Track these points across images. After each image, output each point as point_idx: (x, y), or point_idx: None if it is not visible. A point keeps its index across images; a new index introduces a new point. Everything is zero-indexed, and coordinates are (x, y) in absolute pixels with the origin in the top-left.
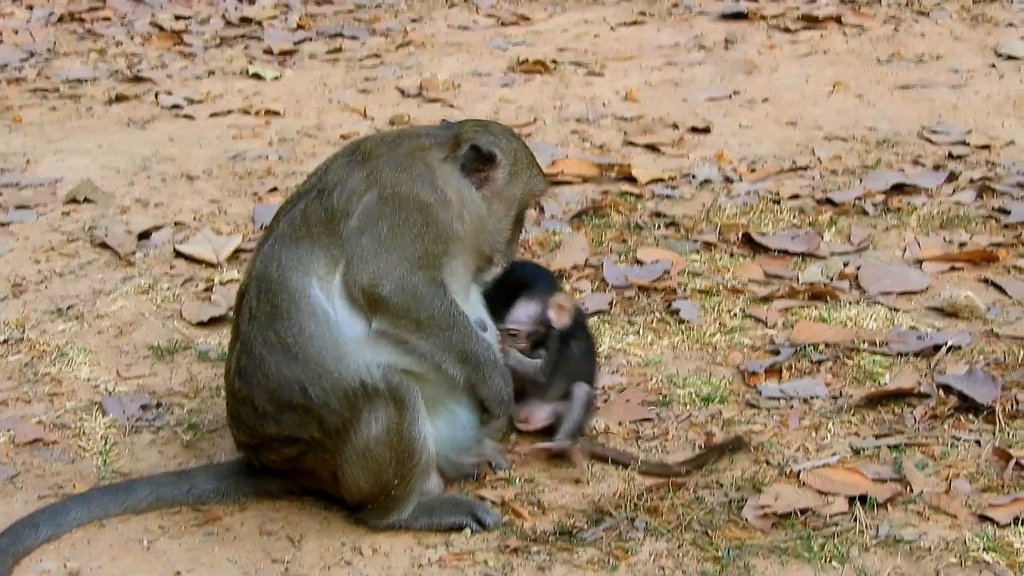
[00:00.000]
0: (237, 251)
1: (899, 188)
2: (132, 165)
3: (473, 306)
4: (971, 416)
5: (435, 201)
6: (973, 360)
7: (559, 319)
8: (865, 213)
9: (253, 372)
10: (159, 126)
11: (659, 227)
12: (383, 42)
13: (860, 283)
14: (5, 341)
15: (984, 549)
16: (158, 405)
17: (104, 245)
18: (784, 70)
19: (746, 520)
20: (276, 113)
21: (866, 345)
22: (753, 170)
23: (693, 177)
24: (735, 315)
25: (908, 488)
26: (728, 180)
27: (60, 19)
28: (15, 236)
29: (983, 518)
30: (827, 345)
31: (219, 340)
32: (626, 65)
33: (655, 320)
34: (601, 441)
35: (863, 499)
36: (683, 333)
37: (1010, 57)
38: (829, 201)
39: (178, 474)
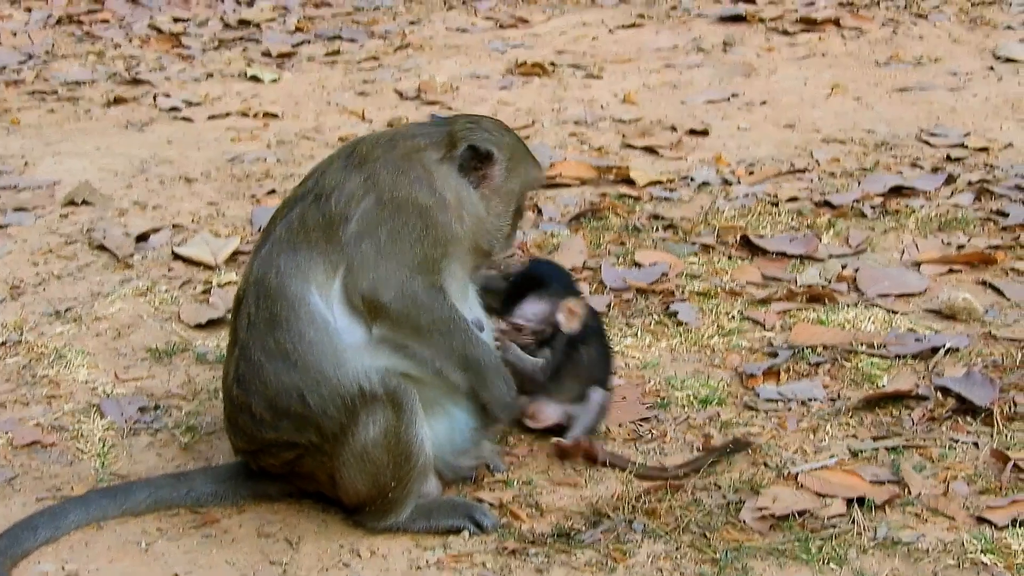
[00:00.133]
0: (235, 253)
1: (897, 190)
2: (130, 167)
3: (471, 305)
4: (969, 418)
5: (434, 204)
6: (971, 362)
7: (567, 323)
8: (863, 215)
9: (251, 379)
10: (157, 128)
11: (657, 229)
12: (381, 44)
13: (858, 285)
14: (3, 343)
15: (982, 551)
16: (156, 407)
17: (102, 247)
18: (782, 73)
19: (744, 522)
20: (274, 115)
21: (864, 347)
22: (751, 172)
23: (691, 179)
24: (733, 317)
25: (906, 490)
26: (726, 182)
27: (58, 21)
28: (13, 238)
29: (981, 520)
30: (825, 347)
31: (217, 342)
32: (624, 68)
33: (653, 322)
34: (601, 444)
35: (861, 501)
36: (681, 335)
37: (1008, 60)
38: (827, 203)
39: (176, 477)
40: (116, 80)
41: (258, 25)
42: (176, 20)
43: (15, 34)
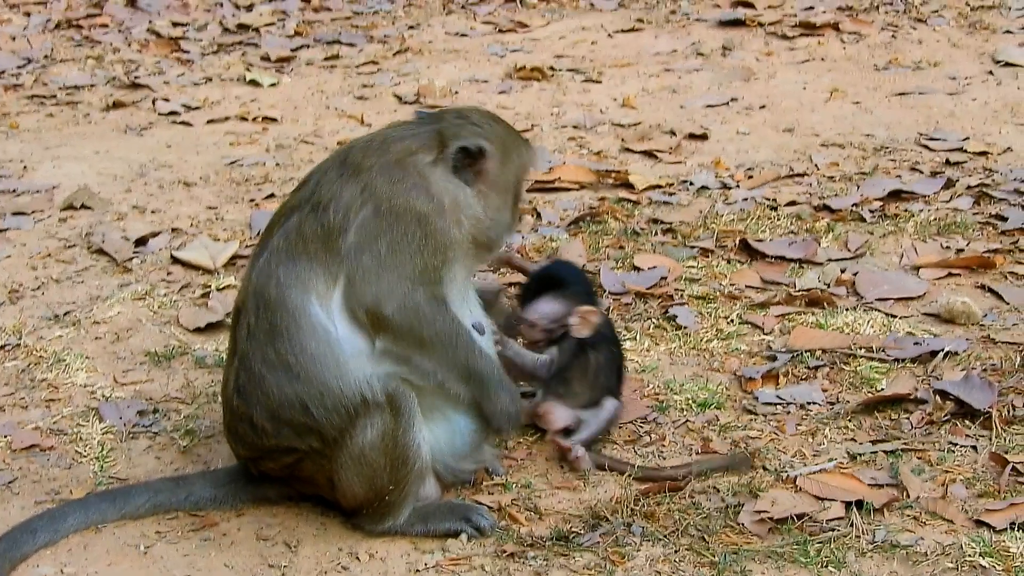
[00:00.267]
0: (234, 257)
1: (896, 195)
2: (129, 171)
3: (471, 307)
4: (967, 422)
5: (431, 210)
6: (970, 366)
7: (578, 327)
8: (862, 219)
9: (252, 390)
10: (156, 133)
11: (656, 233)
12: (380, 49)
13: (857, 289)
14: (2, 347)
15: (980, 554)
16: (155, 411)
17: (101, 251)
18: (781, 77)
19: (743, 525)
20: (273, 120)
21: (863, 351)
22: (750, 177)
23: (690, 184)
24: (732, 321)
25: (904, 493)
26: (725, 187)
27: (57, 26)
28: (12, 242)
29: (979, 523)
30: (824, 351)
31: (216, 346)
32: (623, 72)
33: (652, 326)
34: (600, 450)
35: (859, 504)
36: (680, 339)
37: (1008, 64)
38: (826, 208)
39: (176, 481)
40: (115, 84)
41: (257, 29)
42: (175, 24)
43: (14, 38)
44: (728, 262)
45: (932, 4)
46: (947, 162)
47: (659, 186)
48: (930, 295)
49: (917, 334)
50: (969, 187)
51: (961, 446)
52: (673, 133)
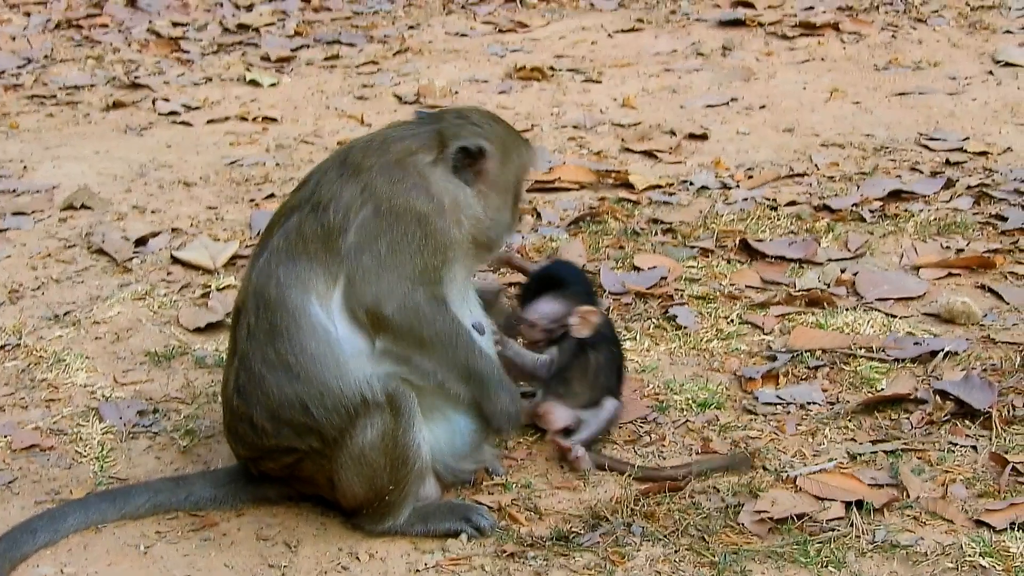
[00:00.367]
0: (234, 257)
1: (896, 195)
2: (129, 171)
3: (471, 307)
4: (967, 421)
5: (431, 211)
6: (970, 366)
7: (578, 327)
8: (862, 219)
9: (252, 390)
10: (156, 132)
11: (656, 233)
12: (380, 49)
13: (857, 289)
14: (2, 347)
15: (980, 554)
16: (155, 411)
17: (101, 251)
18: (781, 77)
19: (743, 525)
20: (273, 120)
21: (863, 351)
22: (750, 177)
23: (690, 184)
24: (732, 321)
25: (904, 493)
26: (725, 187)
27: (57, 26)
28: (12, 242)
29: (979, 523)
30: (824, 351)
31: (216, 346)
32: (623, 72)
33: (652, 326)
34: (601, 450)
35: (859, 504)
36: (680, 339)
37: (1008, 64)
38: (826, 207)
39: (176, 481)
40: (115, 84)
41: (257, 30)
42: (175, 24)
43: (14, 38)
44: (728, 262)
45: (932, 4)
46: (947, 162)
47: (659, 186)
48: (930, 295)
49: (917, 334)
50: (969, 187)
51: (961, 446)
52: (673, 133)
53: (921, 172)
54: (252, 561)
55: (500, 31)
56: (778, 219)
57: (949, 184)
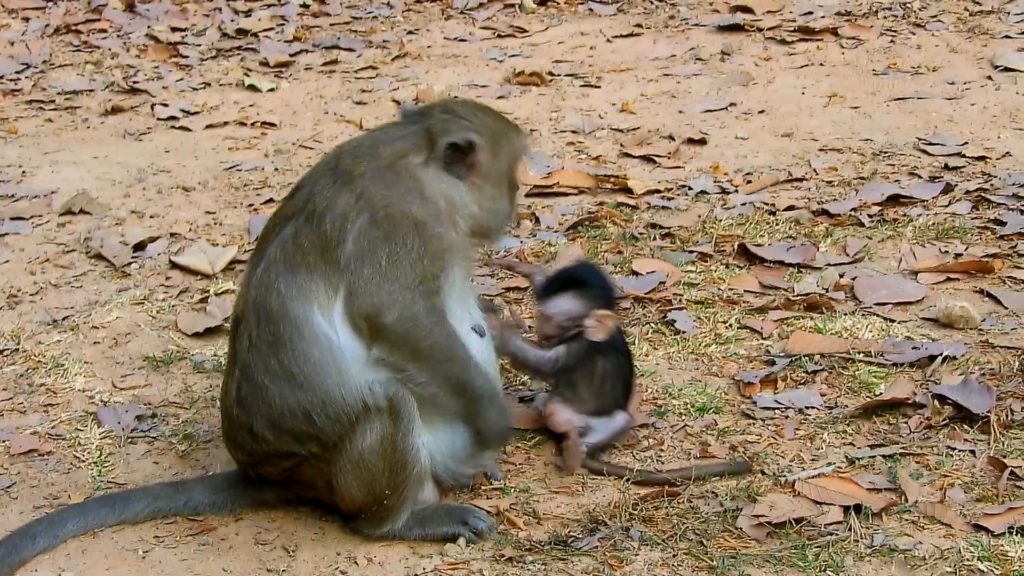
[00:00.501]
0: (232, 262)
1: (895, 199)
2: (128, 177)
3: (471, 309)
4: (966, 426)
5: (427, 216)
6: (968, 370)
7: (593, 331)
8: (861, 224)
9: (254, 400)
10: (155, 138)
11: (655, 238)
12: (379, 54)
13: (855, 294)
14: (1, 352)
15: (978, 558)
16: (153, 416)
17: (99, 256)
18: (780, 82)
19: (741, 529)
20: (272, 125)
21: (861, 355)
22: (749, 181)
23: (689, 188)
24: (730, 326)
25: (903, 498)
26: (724, 191)
27: (56, 31)
28: (10, 247)
29: (977, 527)
30: (822, 355)
31: (214, 351)
32: (622, 77)
33: (650, 331)
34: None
35: (858, 508)
36: (678, 344)
37: (1006, 69)
38: (825, 212)
39: (175, 486)
40: (114, 89)
41: (256, 35)
42: (174, 30)
43: (12, 43)
44: (727, 267)
45: (931, 9)
46: (946, 167)
47: (658, 191)
48: (928, 299)
49: (915, 338)
50: (967, 192)
51: (959, 450)
52: (672, 138)
53: (920, 177)
54: (250, 565)
55: (499, 36)
56: (776, 224)
57: (948, 189)
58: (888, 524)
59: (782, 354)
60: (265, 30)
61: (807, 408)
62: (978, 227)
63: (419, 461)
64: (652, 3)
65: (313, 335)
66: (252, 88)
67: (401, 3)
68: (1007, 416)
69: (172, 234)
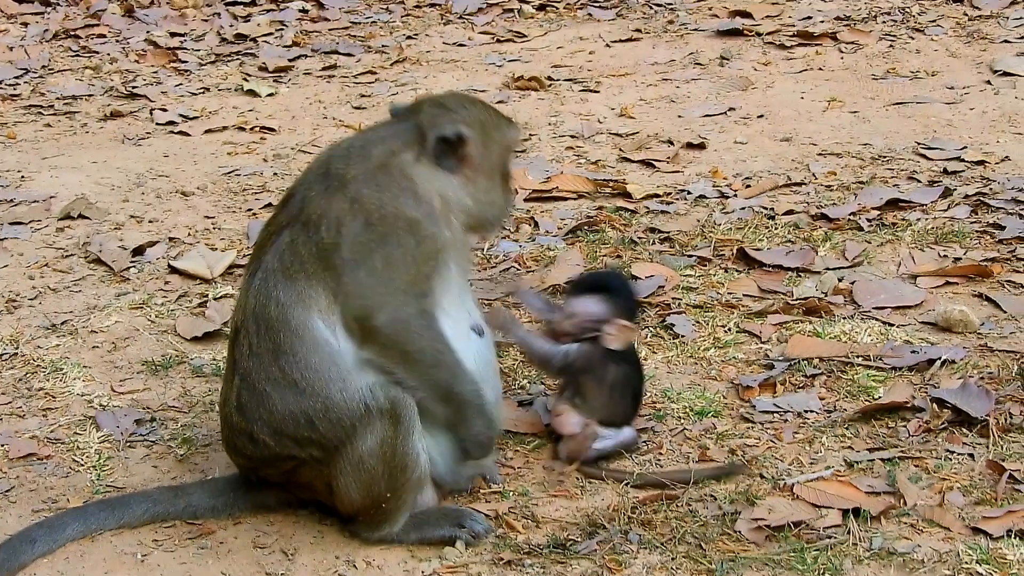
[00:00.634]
0: (231, 267)
1: (894, 204)
2: (127, 181)
3: (469, 309)
4: (965, 429)
5: (421, 216)
6: (967, 374)
7: (611, 338)
8: (860, 228)
9: (255, 407)
10: (154, 142)
11: (654, 242)
12: (378, 59)
13: (854, 298)
14: (0, 356)
15: (977, 561)
16: (152, 420)
17: (98, 261)
18: (779, 87)
19: (740, 533)
20: (271, 129)
21: (860, 359)
22: (748, 186)
23: (688, 193)
24: (729, 330)
25: (901, 501)
26: (723, 196)
27: (55, 36)
28: (9, 252)
29: (976, 531)
30: (821, 359)
31: (213, 355)
32: (621, 81)
33: (649, 335)
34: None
35: (856, 512)
36: (677, 348)
37: (1005, 73)
38: (824, 217)
39: (174, 490)
40: (112, 94)
41: (255, 40)
42: (173, 35)
43: (11, 48)
44: (726, 271)
45: (930, 14)
46: (945, 171)
47: (657, 195)
48: (927, 304)
49: (914, 342)
50: (966, 196)
51: (958, 454)
52: (671, 142)
53: (918, 181)
54: (249, 569)
55: (498, 41)
56: (775, 228)
57: (946, 193)
58: (887, 527)
59: (781, 358)
60: (264, 35)
61: (806, 412)
62: (977, 231)
63: (419, 465)
64: (651, 8)
65: (314, 341)
66: (251, 93)
67: (400, 8)
68: (1006, 420)
69: (171, 239)
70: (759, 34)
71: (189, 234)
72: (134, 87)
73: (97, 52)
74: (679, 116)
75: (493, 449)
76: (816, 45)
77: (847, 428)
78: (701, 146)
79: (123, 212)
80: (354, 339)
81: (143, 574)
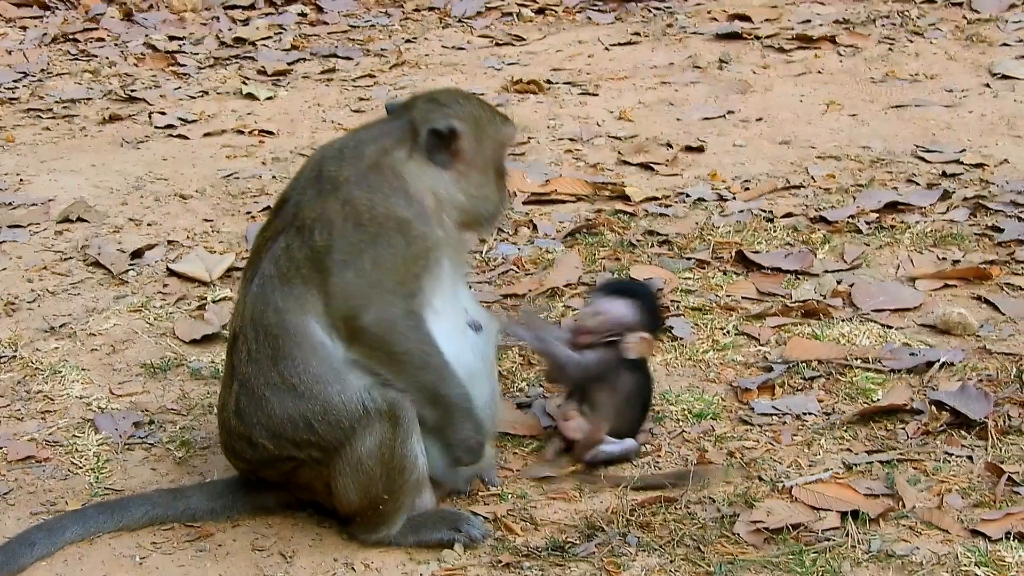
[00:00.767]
0: (230, 270)
1: (892, 206)
2: (125, 184)
3: (467, 305)
4: (963, 432)
5: (412, 215)
6: (966, 376)
7: (631, 347)
8: (858, 231)
9: (253, 412)
10: (152, 146)
11: (652, 245)
12: (377, 62)
13: (853, 300)
14: None
15: (976, 564)
16: (151, 422)
17: (97, 264)
18: (778, 90)
19: (738, 535)
20: (270, 133)
21: (859, 362)
22: (747, 189)
23: (687, 196)
24: (728, 332)
25: (900, 503)
26: (721, 199)
27: (54, 40)
28: (8, 255)
29: (975, 533)
30: (820, 362)
31: (212, 358)
32: (620, 85)
33: None
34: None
35: (855, 514)
36: (676, 350)
37: (1004, 76)
38: (823, 219)
39: (173, 493)
40: (111, 98)
41: (253, 43)
42: (171, 38)
43: (10, 52)
44: (724, 274)
45: (929, 17)
46: (943, 174)
47: (655, 198)
48: (926, 306)
49: (913, 345)
50: (965, 199)
51: (957, 456)
52: (670, 145)
53: (917, 184)
54: (247, 572)
55: (497, 44)
56: (774, 231)
57: (945, 196)
58: (885, 530)
59: (780, 360)
60: (263, 39)
61: (804, 414)
62: (976, 234)
63: (417, 467)
64: (650, 11)
65: (311, 346)
66: (250, 96)
67: (399, 12)
68: (1004, 422)
69: (170, 242)
70: (758, 37)
71: (188, 237)
72: (133, 91)
73: (96, 56)
74: (678, 119)
75: (485, 455)
76: (815, 48)
77: (846, 430)
78: (700, 149)
79: (122, 215)
80: (342, 340)
81: None
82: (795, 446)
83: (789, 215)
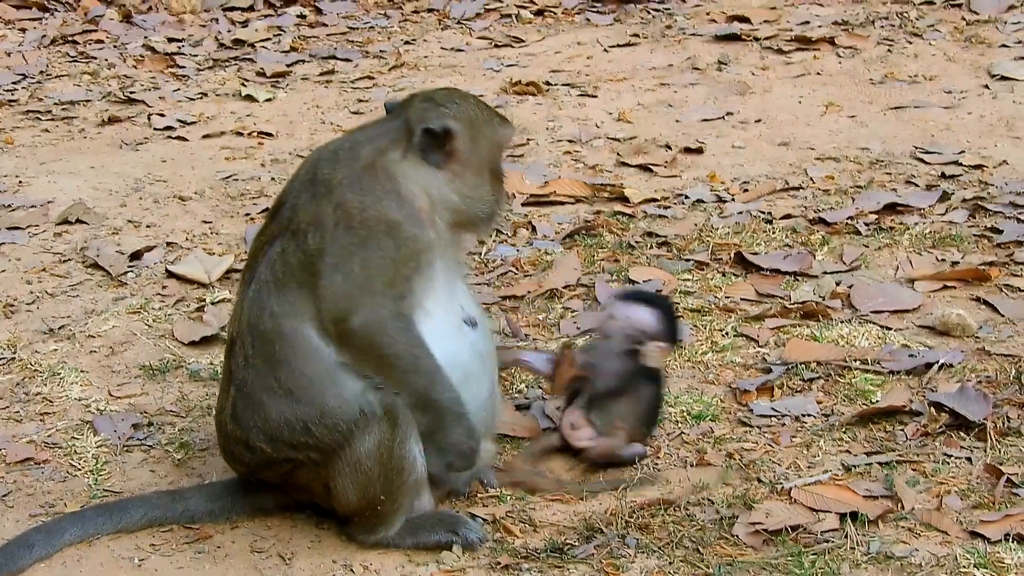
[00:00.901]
0: (229, 271)
1: (892, 208)
2: (124, 186)
3: (463, 303)
4: (962, 433)
5: (403, 217)
6: (965, 378)
7: (650, 355)
8: (857, 233)
9: (250, 416)
10: (151, 148)
11: (651, 247)
12: (376, 64)
13: (852, 302)
14: None
15: (975, 565)
16: (149, 424)
17: (96, 265)
18: (777, 91)
19: (737, 537)
20: (269, 134)
21: (858, 363)
22: (746, 190)
23: (685, 197)
24: (727, 334)
25: (899, 505)
26: (720, 200)
27: (53, 41)
28: (7, 257)
29: (974, 534)
30: (819, 363)
31: (210, 360)
32: (619, 86)
33: None
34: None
35: (854, 516)
36: (675, 352)
37: (1003, 78)
38: (821, 221)
39: (172, 495)
40: (110, 100)
41: (253, 45)
42: (170, 40)
43: (9, 54)
44: (723, 275)
45: (928, 19)
46: (942, 175)
47: (654, 199)
48: (925, 308)
49: (912, 346)
50: (964, 200)
51: (956, 458)
52: (669, 147)
53: (916, 185)
54: (246, 573)
55: (496, 46)
56: (773, 232)
57: (944, 197)
58: (884, 531)
59: (779, 362)
60: (262, 40)
61: (803, 416)
62: (975, 235)
63: (415, 469)
64: (649, 13)
65: (307, 350)
66: (249, 98)
67: (398, 13)
68: (1003, 423)
69: (168, 243)
70: (757, 39)
71: (187, 239)
72: (132, 92)
73: (95, 57)
74: (677, 121)
75: (483, 455)
76: (814, 50)
77: (845, 432)
78: (699, 150)
79: (121, 217)
80: (332, 343)
81: None
82: (794, 447)
83: (788, 216)
